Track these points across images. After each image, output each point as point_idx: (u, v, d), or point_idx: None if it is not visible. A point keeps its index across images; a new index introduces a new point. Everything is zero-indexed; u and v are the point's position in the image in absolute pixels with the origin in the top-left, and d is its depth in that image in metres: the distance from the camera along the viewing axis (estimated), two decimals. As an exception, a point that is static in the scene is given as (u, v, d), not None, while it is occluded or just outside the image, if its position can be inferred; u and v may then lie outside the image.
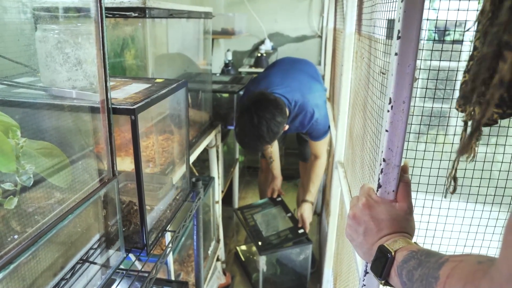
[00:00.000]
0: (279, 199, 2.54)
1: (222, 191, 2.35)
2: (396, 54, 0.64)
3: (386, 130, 0.68)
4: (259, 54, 3.57)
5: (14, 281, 0.63)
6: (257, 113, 1.84)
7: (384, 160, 0.70)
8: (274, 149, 2.51)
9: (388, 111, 0.67)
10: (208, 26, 1.93)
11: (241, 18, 3.37)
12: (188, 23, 1.70)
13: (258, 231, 2.22)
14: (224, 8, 3.63)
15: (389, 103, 0.67)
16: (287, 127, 2.02)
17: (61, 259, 0.76)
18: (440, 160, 0.99)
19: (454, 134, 0.92)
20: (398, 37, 0.63)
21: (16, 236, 0.63)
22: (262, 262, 2.18)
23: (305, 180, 2.65)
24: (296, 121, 2.11)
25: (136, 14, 1.15)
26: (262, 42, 3.68)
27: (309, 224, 2.30)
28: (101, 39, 0.72)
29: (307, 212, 2.29)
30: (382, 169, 0.71)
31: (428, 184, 1.03)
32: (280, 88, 2.05)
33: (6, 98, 0.79)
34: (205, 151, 2.04)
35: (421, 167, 1.02)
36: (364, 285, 0.79)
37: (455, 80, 0.89)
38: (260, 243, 2.12)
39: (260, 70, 3.46)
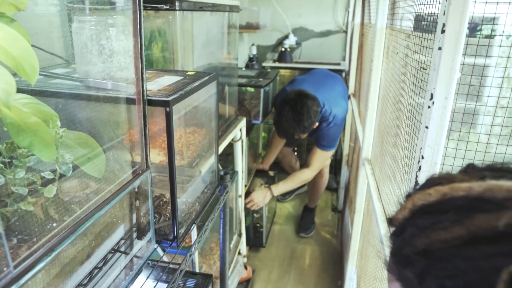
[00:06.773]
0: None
1: (245, 185, 2.35)
2: (439, 48, 0.62)
3: (426, 127, 0.67)
4: (283, 49, 3.54)
5: (50, 268, 0.64)
6: (301, 100, 2.16)
7: (422, 157, 0.68)
8: (277, 143, 2.80)
9: (429, 107, 0.65)
10: (235, 20, 1.93)
11: (266, 12, 3.35)
12: (215, 16, 1.69)
13: None
14: (248, 2, 3.61)
15: (430, 99, 0.65)
16: (317, 124, 2.27)
17: (94, 248, 0.77)
18: (474, 159, 0.96)
19: (489, 134, 0.90)
20: (443, 31, 0.61)
21: (54, 224, 0.64)
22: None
23: (310, 185, 2.89)
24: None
25: (168, 7, 1.15)
26: (286, 36, 3.65)
27: (254, 206, 2.37)
28: (138, 31, 0.73)
29: (258, 193, 2.38)
30: (420, 166, 0.69)
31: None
32: None
33: (43, 88, 0.80)
34: (229, 145, 2.04)
35: (452, 166, 0.99)
36: None
37: (495, 77, 0.86)
38: None
39: (284, 65, 3.44)
